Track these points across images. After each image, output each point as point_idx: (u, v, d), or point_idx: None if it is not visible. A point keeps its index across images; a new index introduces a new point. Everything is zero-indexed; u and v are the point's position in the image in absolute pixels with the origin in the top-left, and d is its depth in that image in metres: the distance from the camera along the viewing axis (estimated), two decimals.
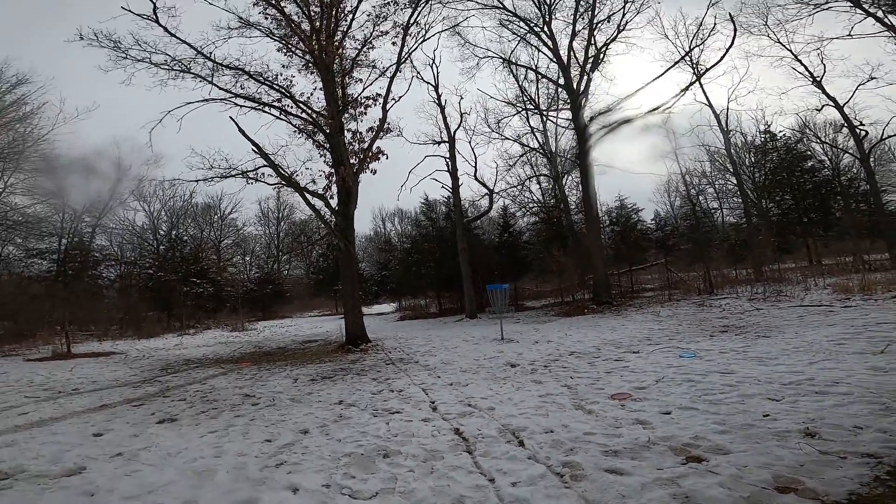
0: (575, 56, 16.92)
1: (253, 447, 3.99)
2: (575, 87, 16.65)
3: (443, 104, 19.23)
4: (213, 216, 35.81)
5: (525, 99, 21.43)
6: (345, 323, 12.11)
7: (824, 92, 18.71)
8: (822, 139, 22.74)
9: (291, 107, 11.96)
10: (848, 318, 7.78)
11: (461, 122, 19.71)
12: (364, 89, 12.56)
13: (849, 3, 13.23)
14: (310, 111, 11.94)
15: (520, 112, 22.03)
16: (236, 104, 11.77)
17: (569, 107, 17.23)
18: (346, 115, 12.15)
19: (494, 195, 20.49)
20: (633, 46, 23.89)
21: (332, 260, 29.87)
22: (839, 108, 18.63)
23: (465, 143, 20.44)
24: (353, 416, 4.94)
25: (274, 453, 3.82)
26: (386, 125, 12.12)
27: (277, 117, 12.14)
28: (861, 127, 18.91)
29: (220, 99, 11.66)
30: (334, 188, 11.55)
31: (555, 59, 17.41)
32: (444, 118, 19.12)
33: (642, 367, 6.00)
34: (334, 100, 11.75)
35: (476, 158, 20.27)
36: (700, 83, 18.58)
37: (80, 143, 22.65)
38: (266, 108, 11.93)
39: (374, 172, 11.71)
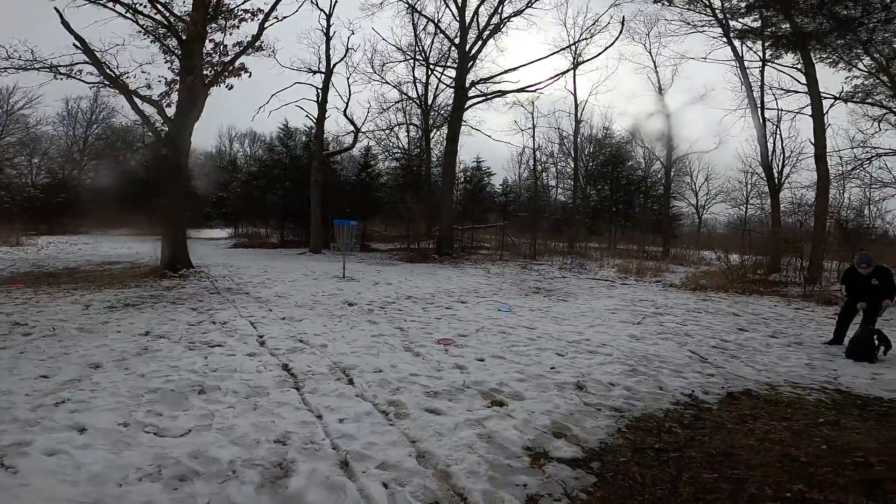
0: (478, 21, 17.57)
1: (23, 385, 3.29)
2: (468, 49, 17.35)
3: (330, 35, 17.78)
4: None
5: (417, 49, 21.57)
6: (162, 243, 10.48)
7: (662, 103, 22.51)
8: (645, 144, 27.40)
9: (145, 6, 9.90)
10: (623, 293, 9.94)
11: (345, 56, 18.35)
12: (245, 1, 10.87)
13: (720, 31, 15.07)
14: (168, 14, 10.06)
15: (407, 60, 22.19)
16: None
17: (456, 66, 17.84)
18: (214, 25, 10.52)
19: (360, 134, 19.78)
20: (532, 25, 25.48)
21: (154, 172, 25.14)
22: (667, 118, 22.68)
23: (343, 79, 19.22)
24: (161, 348, 4.42)
25: (52, 391, 3.22)
26: (259, 42, 11.05)
27: (122, 15, 9.97)
28: (675, 140, 23.36)
29: None
30: (175, 96, 10.26)
31: (458, 19, 17.72)
32: (328, 49, 17.85)
33: (467, 317, 6.71)
34: (204, 6, 10.07)
35: (350, 95, 19.36)
36: (574, 73, 20.68)
37: None
38: (111, 4, 9.74)
39: (230, 88, 10.74)
